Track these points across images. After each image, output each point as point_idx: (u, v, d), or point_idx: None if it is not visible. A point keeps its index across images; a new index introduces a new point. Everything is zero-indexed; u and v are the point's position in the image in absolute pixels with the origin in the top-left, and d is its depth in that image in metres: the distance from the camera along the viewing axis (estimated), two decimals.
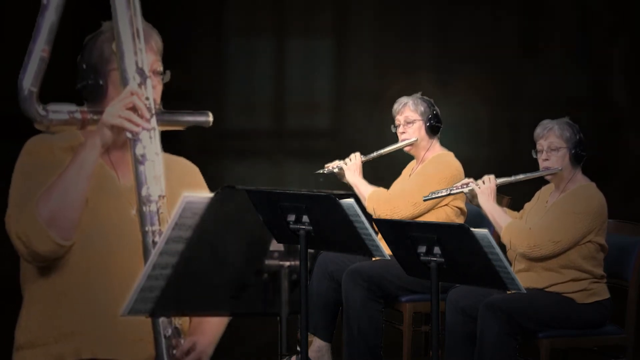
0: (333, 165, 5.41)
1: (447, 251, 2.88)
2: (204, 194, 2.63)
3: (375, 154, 5.42)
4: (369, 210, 5.18)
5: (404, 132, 5.35)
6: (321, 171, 5.43)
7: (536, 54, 6.82)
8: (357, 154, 5.40)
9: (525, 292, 3.08)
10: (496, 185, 4.77)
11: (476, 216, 5.18)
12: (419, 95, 5.38)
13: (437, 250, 2.89)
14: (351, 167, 5.36)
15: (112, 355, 2.85)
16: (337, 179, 5.42)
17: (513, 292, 3.35)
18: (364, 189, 5.30)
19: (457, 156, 5.34)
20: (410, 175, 5.39)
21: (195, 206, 2.59)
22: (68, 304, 2.85)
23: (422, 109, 5.33)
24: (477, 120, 6.74)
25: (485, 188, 4.77)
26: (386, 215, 5.15)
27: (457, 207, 5.24)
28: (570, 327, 4.59)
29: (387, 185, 5.43)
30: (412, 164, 5.48)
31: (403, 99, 5.39)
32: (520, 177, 4.81)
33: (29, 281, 2.91)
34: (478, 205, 4.79)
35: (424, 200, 5.03)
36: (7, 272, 3.28)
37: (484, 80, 6.84)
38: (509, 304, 4.49)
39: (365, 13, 7.12)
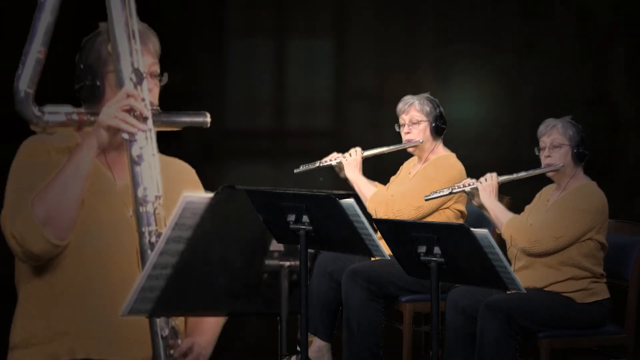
0: (331, 158, 5.36)
1: (447, 251, 2.88)
2: (204, 194, 2.63)
3: (377, 151, 5.36)
4: (370, 211, 5.13)
5: (408, 132, 5.30)
6: (301, 168, 5.37)
7: (536, 54, 6.81)
8: (358, 149, 5.32)
9: (525, 292, 3.08)
10: (498, 183, 4.77)
11: (476, 218, 5.18)
12: (425, 95, 5.33)
13: (437, 250, 2.89)
14: (351, 163, 5.29)
15: (107, 355, 2.85)
16: (335, 177, 5.39)
17: (513, 292, 3.34)
18: (364, 187, 5.25)
19: (457, 156, 5.33)
20: (410, 174, 5.38)
21: (195, 206, 2.59)
22: (63, 304, 2.86)
23: (428, 109, 5.28)
24: (476, 121, 6.73)
25: (487, 185, 4.77)
26: (387, 217, 5.11)
27: (457, 209, 5.22)
28: (570, 327, 4.60)
29: (383, 183, 5.41)
30: (412, 162, 5.46)
31: (409, 99, 5.32)
32: (522, 174, 4.81)
33: (24, 281, 2.91)
34: (480, 205, 4.79)
35: (425, 200, 4.99)
36: (4, 272, 3.28)
37: (484, 80, 6.84)
38: (509, 304, 4.50)
39: (365, 13, 7.11)
